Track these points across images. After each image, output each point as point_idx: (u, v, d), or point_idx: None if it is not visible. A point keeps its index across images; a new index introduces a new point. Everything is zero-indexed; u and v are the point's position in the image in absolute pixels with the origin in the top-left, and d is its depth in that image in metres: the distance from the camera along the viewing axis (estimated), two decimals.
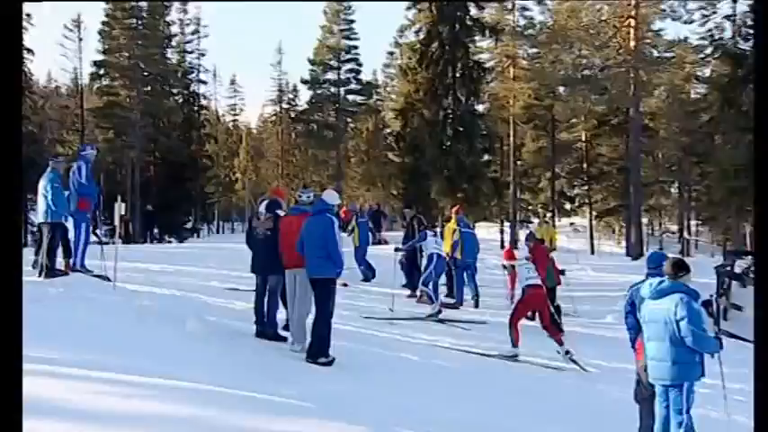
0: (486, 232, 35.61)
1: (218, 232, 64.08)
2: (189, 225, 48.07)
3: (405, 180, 33.50)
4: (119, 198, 10.67)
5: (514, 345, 10.34)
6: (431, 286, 13.23)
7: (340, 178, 50.69)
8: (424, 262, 13.81)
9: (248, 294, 10.20)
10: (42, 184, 10.54)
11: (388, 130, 48.40)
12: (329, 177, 52.36)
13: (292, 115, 58.17)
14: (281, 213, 8.95)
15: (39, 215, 10.65)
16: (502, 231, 40.00)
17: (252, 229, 9.05)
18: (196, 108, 50.69)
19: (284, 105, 61.01)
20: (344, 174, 52.57)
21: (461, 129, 30.78)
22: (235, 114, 70.72)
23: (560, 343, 10.45)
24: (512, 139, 39.35)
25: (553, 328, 10.72)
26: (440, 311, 12.89)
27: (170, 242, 39.41)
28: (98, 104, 44.69)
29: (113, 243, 11.34)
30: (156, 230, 40.11)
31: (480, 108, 35.34)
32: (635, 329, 6.82)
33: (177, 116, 47.06)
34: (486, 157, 34.36)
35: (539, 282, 10.91)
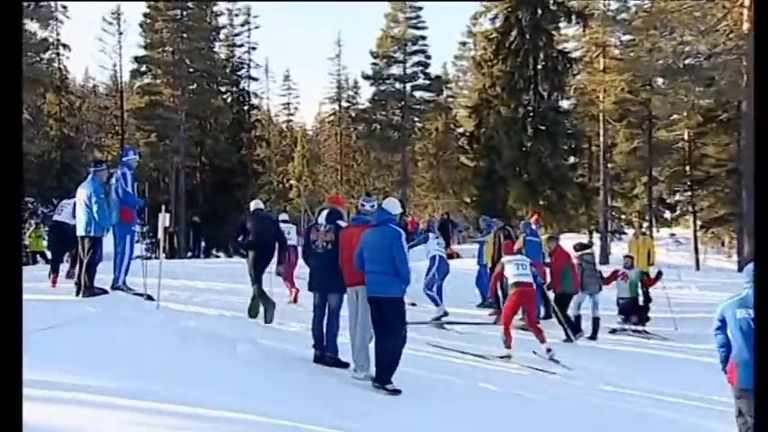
0: (572, 245, 35.18)
1: None
2: (239, 238, 48.75)
3: (479, 186, 33.37)
4: (162, 208, 10.82)
5: (507, 346, 11.50)
6: (434, 290, 14.43)
7: (406, 184, 50.78)
8: (427, 264, 14.87)
9: (305, 314, 10.27)
10: (85, 194, 10.79)
11: (460, 131, 48.29)
12: (394, 183, 52.51)
13: (353, 114, 58.63)
14: (343, 224, 8.99)
15: (79, 227, 10.91)
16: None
17: (310, 242, 9.09)
18: (246, 108, 51.44)
19: (343, 104, 61.60)
20: (411, 179, 52.68)
21: (543, 127, 30.50)
22: (289, 114, 71.97)
23: (542, 341, 11.72)
24: (602, 138, 38.74)
25: (536, 327, 12.01)
26: (445, 314, 14.15)
27: (218, 257, 40.07)
28: (139, 105, 45.66)
29: (157, 258, 11.57)
30: (202, 244, 40.82)
31: (565, 104, 35.00)
32: (726, 348, 6.73)
33: (226, 117, 47.81)
34: (571, 160, 33.98)
35: (528, 279, 12.15)
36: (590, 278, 14.97)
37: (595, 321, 14.63)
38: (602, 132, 38.54)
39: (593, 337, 14.50)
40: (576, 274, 14.73)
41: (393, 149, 52.33)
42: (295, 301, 14.56)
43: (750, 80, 30.87)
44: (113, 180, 11.27)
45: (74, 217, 13.22)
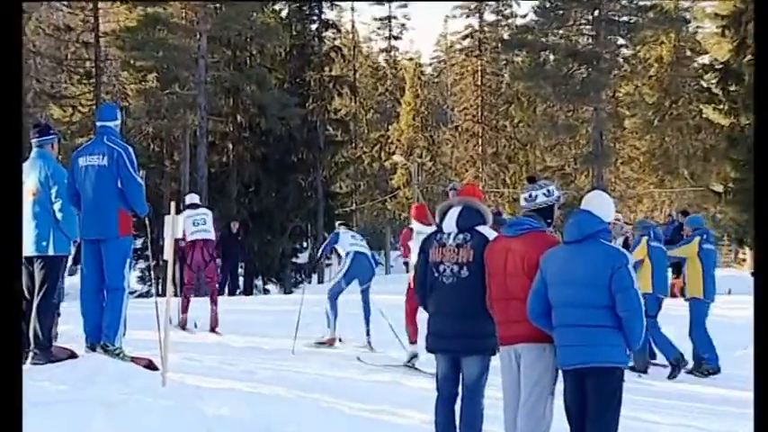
0: None
1: None
2: (303, 257, 48.85)
3: (737, 163, 32.90)
4: (172, 207, 10.76)
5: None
6: (335, 301, 17.54)
7: (601, 161, 50.13)
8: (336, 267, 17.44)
9: (425, 399, 10.30)
10: (34, 181, 10.79)
11: (704, 61, 47.67)
12: (579, 160, 52.14)
13: (505, 37, 58.51)
14: (489, 234, 8.89)
15: (27, 243, 10.65)
16: None
17: (429, 265, 9.05)
18: (315, 27, 51.79)
19: (488, 17, 61.65)
20: (610, 151, 52.07)
21: None
22: (391, 37, 72.09)
23: (413, 342, 15.09)
24: None
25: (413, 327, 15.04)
26: (332, 341, 17.38)
27: (267, 291, 40.69)
28: (128, 23, 45.98)
29: (160, 295, 11.75)
30: (240, 268, 40.61)
31: None
32: None
33: (279, 44, 48.14)
34: None
35: None
36: None
37: None
38: None
39: None
40: None
41: (578, 98, 51.63)
42: (184, 327, 17.34)
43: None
44: (102, 158, 11.00)
45: None
